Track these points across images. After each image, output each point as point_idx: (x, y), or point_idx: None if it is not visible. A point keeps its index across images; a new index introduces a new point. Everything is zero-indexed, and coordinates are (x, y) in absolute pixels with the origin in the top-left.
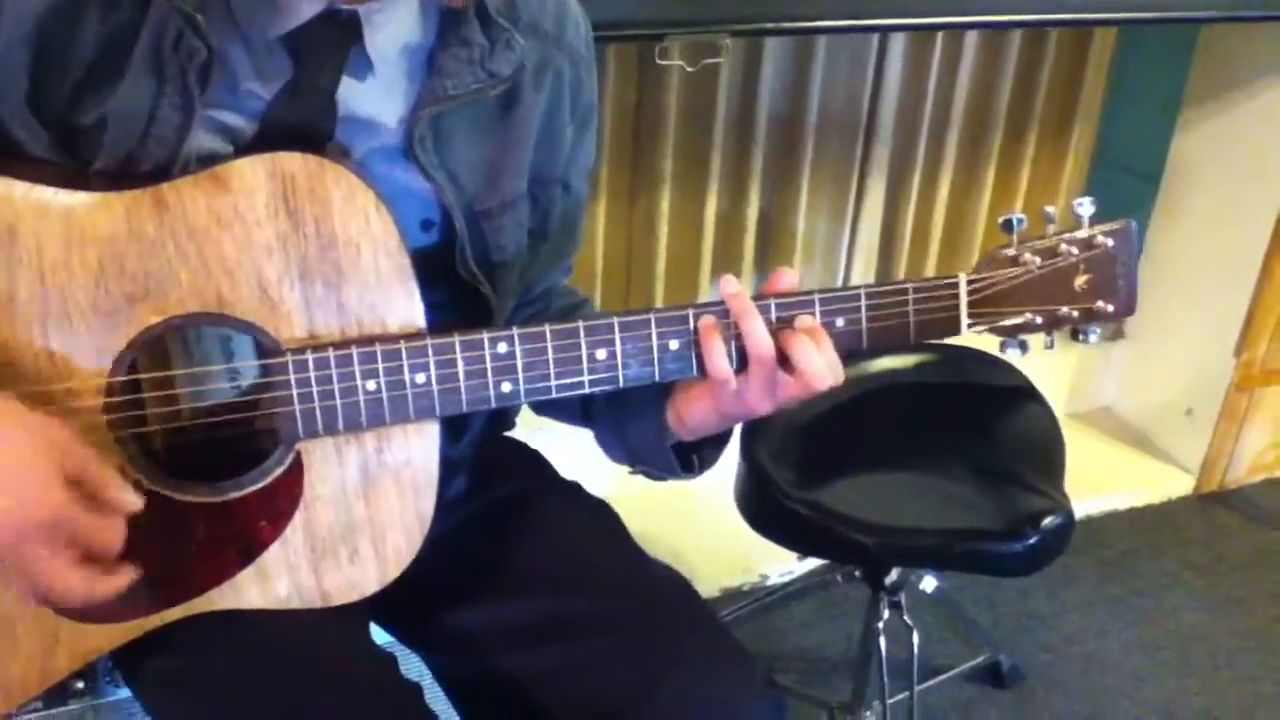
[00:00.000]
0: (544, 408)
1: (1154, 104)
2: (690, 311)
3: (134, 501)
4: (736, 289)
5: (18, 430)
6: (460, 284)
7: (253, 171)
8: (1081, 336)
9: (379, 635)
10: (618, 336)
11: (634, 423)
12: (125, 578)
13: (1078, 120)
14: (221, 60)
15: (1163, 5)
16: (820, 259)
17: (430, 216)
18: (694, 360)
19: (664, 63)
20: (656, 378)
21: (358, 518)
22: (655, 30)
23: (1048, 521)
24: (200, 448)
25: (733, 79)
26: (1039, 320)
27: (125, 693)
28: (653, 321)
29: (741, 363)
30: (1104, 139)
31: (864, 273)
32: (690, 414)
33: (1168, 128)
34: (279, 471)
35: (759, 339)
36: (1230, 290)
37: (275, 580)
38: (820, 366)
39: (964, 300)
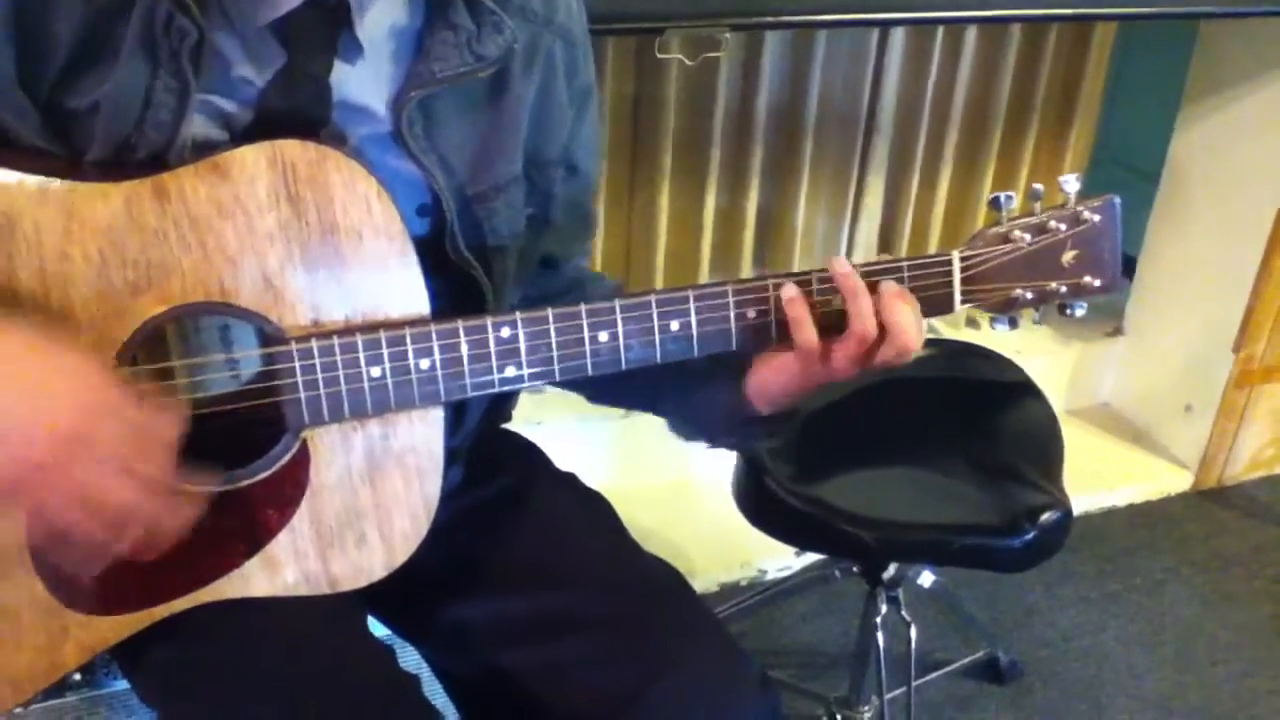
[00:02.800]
0: (605, 395)
1: (1154, 100)
2: (690, 293)
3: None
4: (848, 268)
5: (63, 356)
6: (456, 271)
7: (254, 160)
8: (1069, 311)
9: (377, 629)
10: (619, 318)
11: (705, 400)
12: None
13: (1077, 116)
14: (213, 47)
15: (1163, 0)
16: (820, 254)
17: (425, 202)
18: (694, 341)
19: (663, 56)
20: (658, 359)
21: (364, 504)
22: (655, 23)
23: (1046, 517)
24: (206, 437)
25: (732, 73)
26: (1029, 295)
27: (123, 684)
28: (653, 303)
29: (823, 331)
30: (1103, 135)
31: None
32: (773, 384)
33: (1167, 124)
34: (285, 460)
35: (866, 318)
36: (1229, 286)
37: (283, 568)
38: (913, 324)
39: (957, 277)
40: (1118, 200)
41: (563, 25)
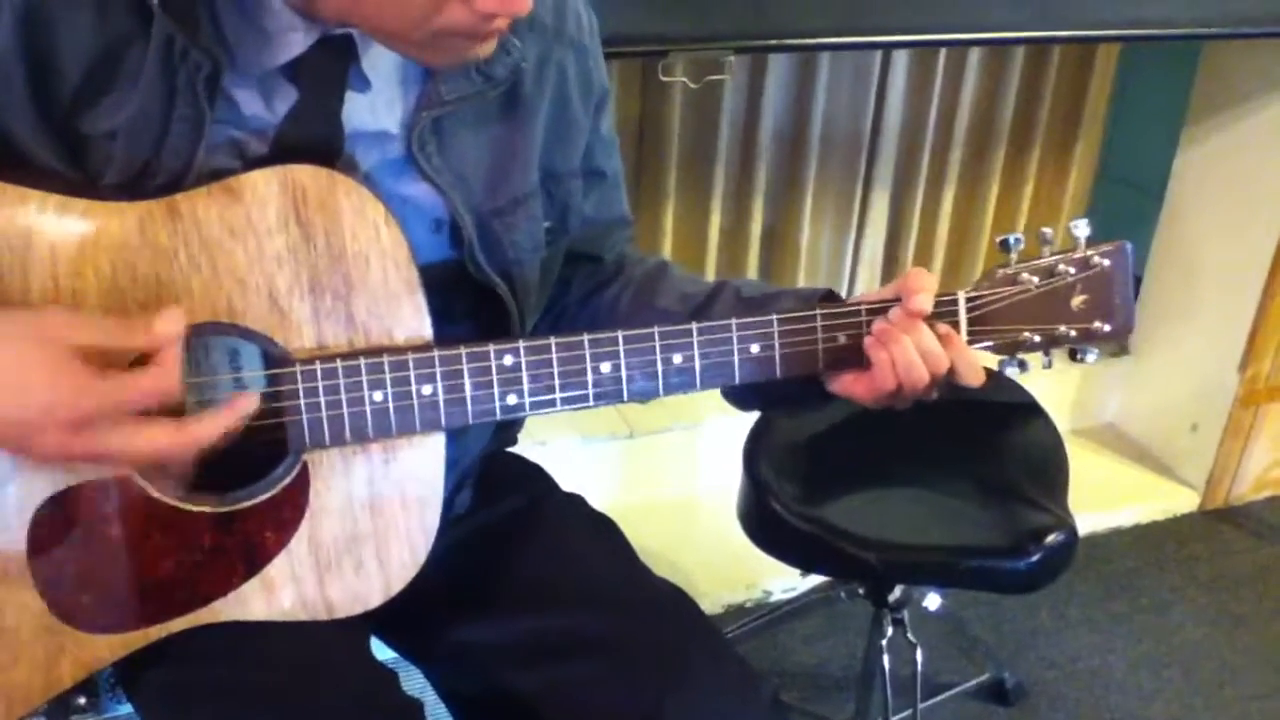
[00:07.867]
0: None
1: (1157, 120)
2: (694, 327)
3: (171, 326)
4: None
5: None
6: (480, 288)
7: (265, 183)
8: (1080, 356)
9: (381, 652)
10: (622, 349)
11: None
12: (209, 422)
13: (1081, 136)
14: (225, 89)
15: (1165, 22)
16: (824, 275)
17: (440, 216)
18: (696, 375)
19: (667, 79)
20: (660, 392)
21: (363, 529)
22: (659, 46)
23: (1051, 538)
24: (207, 457)
25: (736, 95)
26: (1037, 339)
27: (128, 708)
28: (656, 336)
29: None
30: (1107, 154)
31: (868, 288)
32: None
33: (1170, 143)
34: (286, 482)
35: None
36: (1234, 305)
37: (280, 591)
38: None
39: (963, 317)
40: (1129, 246)
41: (573, 36)
